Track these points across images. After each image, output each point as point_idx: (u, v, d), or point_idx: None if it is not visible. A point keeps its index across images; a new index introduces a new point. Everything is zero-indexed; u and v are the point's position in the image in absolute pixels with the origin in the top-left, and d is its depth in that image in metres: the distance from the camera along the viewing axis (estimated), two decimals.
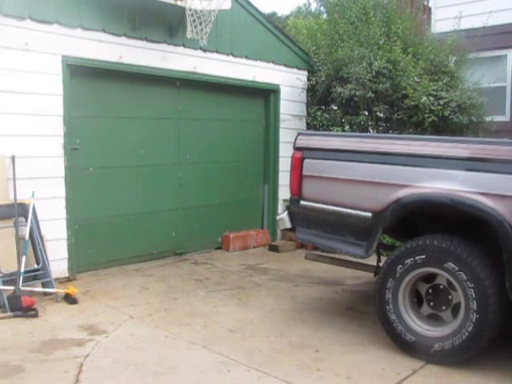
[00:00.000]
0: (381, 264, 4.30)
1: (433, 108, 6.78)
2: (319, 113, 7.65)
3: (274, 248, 7.38)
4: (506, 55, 9.03)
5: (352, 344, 4.03)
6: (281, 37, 7.57)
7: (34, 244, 4.98)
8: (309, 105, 7.94)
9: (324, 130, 7.53)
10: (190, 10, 5.83)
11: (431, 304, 3.83)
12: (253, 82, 7.27)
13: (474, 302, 3.45)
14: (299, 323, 4.46)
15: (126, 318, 4.46)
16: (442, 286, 3.78)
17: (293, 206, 4.55)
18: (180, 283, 5.57)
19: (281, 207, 7.66)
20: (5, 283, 4.61)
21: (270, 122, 7.69)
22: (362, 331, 4.29)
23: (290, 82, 7.71)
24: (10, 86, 4.99)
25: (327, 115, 7.59)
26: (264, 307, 4.86)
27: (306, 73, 7.95)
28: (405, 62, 7.07)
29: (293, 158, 4.49)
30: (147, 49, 6.03)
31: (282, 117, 7.71)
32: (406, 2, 9.35)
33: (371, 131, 7.44)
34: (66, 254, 5.50)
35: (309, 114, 7.82)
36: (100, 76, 5.79)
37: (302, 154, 4.42)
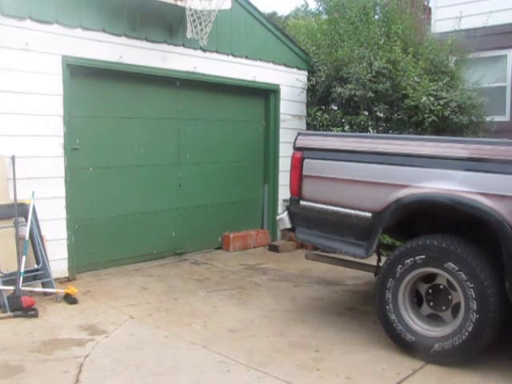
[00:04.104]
0: (381, 264, 4.30)
1: (433, 108, 6.78)
2: (319, 113, 7.65)
3: (273, 248, 7.38)
4: (506, 55, 9.02)
5: (352, 344, 4.03)
6: (281, 37, 7.57)
7: (34, 244, 4.98)
8: (309, 105, 7.94)
9: (324, 130, 7.54)
10: (190, 9, 5.83)
11: (431, 304, 3.83)
12: (253, 82, 7.27)
13: (474, 302, 3.45)
14: (299, 323, 4.46)
15: (126, 318, 4.46)
16: (441, 286, 3.78)
17: (293, 206, 4.55)
18: (180, 283, 5.57)
19: (281, 207, 7.66)
20: (5, 283, 4.61)
21: (270, 122, 7.69)
22: (362, 331, 4.29)
23: (290, 82, 7.71)
24: (10, 85, 4.99)
25: (327, 115, 7.60)
26: (264, 307, 4.86)
27: (306, 73, 7.95)
28: (405, 62, 7.07)
29: (293, 158, 4.49)
30: (147, 49, 6.03)
31: (282, 117, 7.71)
32: (406, 2, 9.34)
33: (371, 131, 7.44)
34: (66, 254, 5.50)
35: (309, 114, 7.82)
36: (100, 76, 5.79)
37: (301, 154, 4.42)
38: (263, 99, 7.73)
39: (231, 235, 7.23)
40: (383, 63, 7.01)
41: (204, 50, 6.58)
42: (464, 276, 3.50)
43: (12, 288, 4.54)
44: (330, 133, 6.78)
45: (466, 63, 7.95)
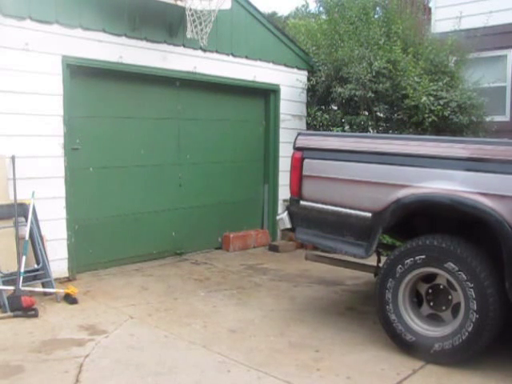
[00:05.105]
0: (381, 264, 4.30)
1: (433, 108, 6.78)
2: (319, 113, 7.65)
3: (274, 248, 7.38)
4: (505, 55, 9.03)
5: (352, 344, 4.03)
6: (281, 37, 7.57)
7: (34, 244, 4.98)
8: (309, 105, 7.94)
9: (324, 130, 7.54)
10: (190, 9, 5.83)
11: (431, 304, 3.83)
12: (253, 82, 7.28)
13: (474, 301, 3.45)
14: (299, 323, 4.46)
15: (126, 318, 4.46)
16: (441, 286, 3.78)
17: (293, 206, 4.54)
18: (180, 283, 5.57)
19: (281, 207, 7.66)
20: (5, 283, 4.61)
21: (270, 122, 7.69)
22: (362, 331, 4.29)
23: (290, 82, 7.71)
24: (10, 85, 4.99)
25: (327, 115, 7.59)
26: (264, 307, 4.86)
27: (305, 73, 7.95)
28: (405, 62, 7.07)
29: (293, 158, 4.49)
30: (147, 49, 6.03)
31: (282, 117, 7.71)
32: (406, 2, 9.35)
33: (371, 131, 7.44)
34: (65, 254, 5.50)
35: (309, 114, 7.82)
36: (100, 76, 5.79)
37: (301, 154, 4.42)
38: (263, 99, 7.73)
39: (231, 235, 7.23)
40: (383, 63, 7.01)
41: (204, 50, 6.58)
42: (464, 276, 3.50)
43: (12, 288, 4.54)
44: (329, 133, 6.78)
45: (466, 63, 7.96)
